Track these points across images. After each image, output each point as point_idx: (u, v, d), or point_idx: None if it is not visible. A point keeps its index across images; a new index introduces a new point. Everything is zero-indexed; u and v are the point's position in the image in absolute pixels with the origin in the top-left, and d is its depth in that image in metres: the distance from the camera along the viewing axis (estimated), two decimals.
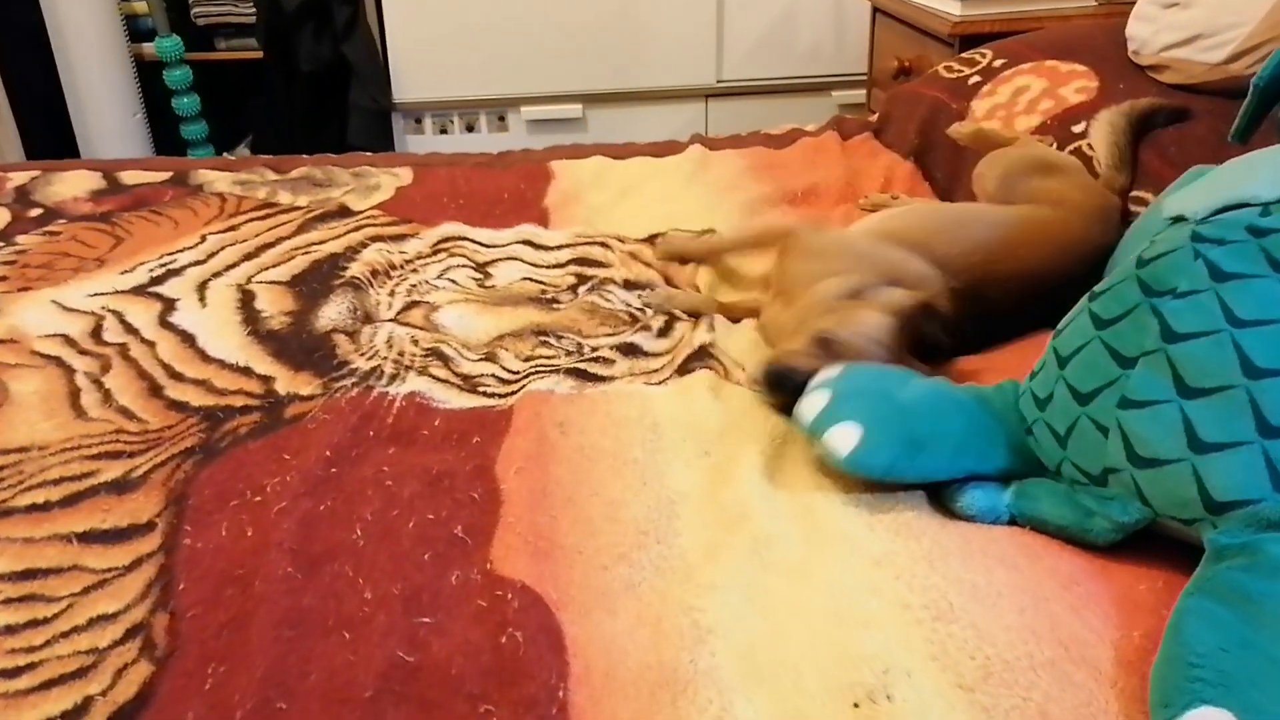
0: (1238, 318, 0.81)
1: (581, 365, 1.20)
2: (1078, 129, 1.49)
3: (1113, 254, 1.22)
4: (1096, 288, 0.96)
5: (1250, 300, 0.82)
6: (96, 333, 1.29)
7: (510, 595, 0.83)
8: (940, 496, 0.94)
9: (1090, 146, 1.43)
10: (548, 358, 1.23)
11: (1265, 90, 1.03)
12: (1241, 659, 0.67)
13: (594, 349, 1.25)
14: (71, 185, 1.79)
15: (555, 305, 1.37)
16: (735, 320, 1.32)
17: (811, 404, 0.97)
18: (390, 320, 1.33)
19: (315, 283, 1.43)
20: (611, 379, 1.18)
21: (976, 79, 1.79)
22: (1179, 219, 0.96)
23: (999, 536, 0.87)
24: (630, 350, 1.25)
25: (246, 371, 1.21)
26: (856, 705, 0.71)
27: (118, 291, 1.40)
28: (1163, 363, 0.84)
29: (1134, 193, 1.33)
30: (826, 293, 1.16)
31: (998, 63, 1.79)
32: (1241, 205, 0.90)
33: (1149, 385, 0.84)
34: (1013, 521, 0.91)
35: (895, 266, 1.20)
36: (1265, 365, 0.79)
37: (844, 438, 0.92)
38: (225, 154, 3.09)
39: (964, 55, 1.92)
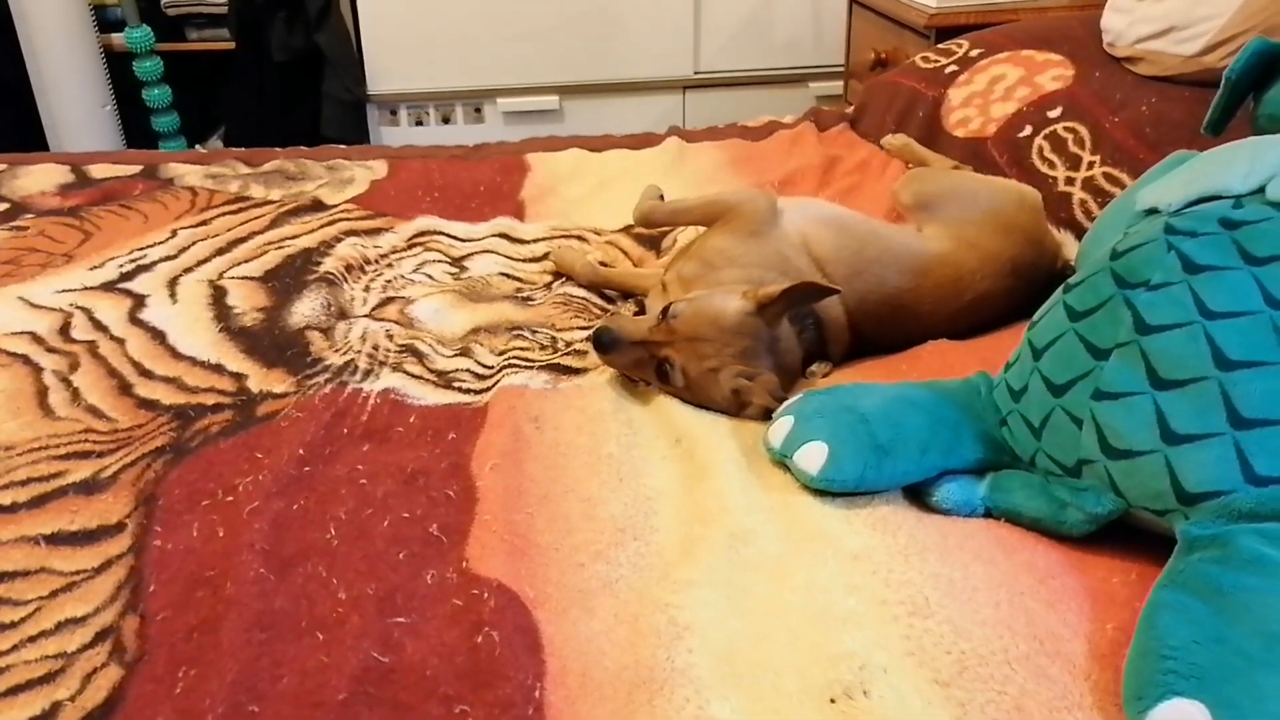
0: (1209, 310, 0.82)
1: (555, 360, 1.19)
2: (1053, 114, 1.50)
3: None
4: (1071, 279, 0.96)
5: (1222, 292, 0.82)
6: (64, 330, 1.27)
7: (486, 594, 0.83)
8: (916, 491, 0.94)
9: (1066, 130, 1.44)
10: (522, 349, 1.22)
11: (1237, 83, 1.03)
12: (1214, 652, 0.67)
13: (567, 342, 1.24)
14: (38, 179, 1.76)
15: (530, 302, 1.36)
16: (627, 293, 1.37)
17: (777, 431, 0.98)
18: (365, 316, 1.32)
19: (288, 278, 1.42)
20: (584, 370, 1.18)
21: (953, 68, 1.79)
22: (1153, 211, 0.96)
23: (975, 531, 0.87)
24: None
25: (218, 369, 1.19)
26: (833, 701, 0.71)
27: (86, 288, 1.38)
28: (1136, 355, 0.84)
29: (1108, 170, 1.34)
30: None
31: (974, 52, 1.80)
32: (1215, 198, 0.91)
33: (1122, 377, 0.84)
34: (988, 514, 0.92)
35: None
36: (1236, 357, 0.79)
37: (812, 457, 0.93)
38: (197, 146, 3.05)
39: (941, 46, 1.93)
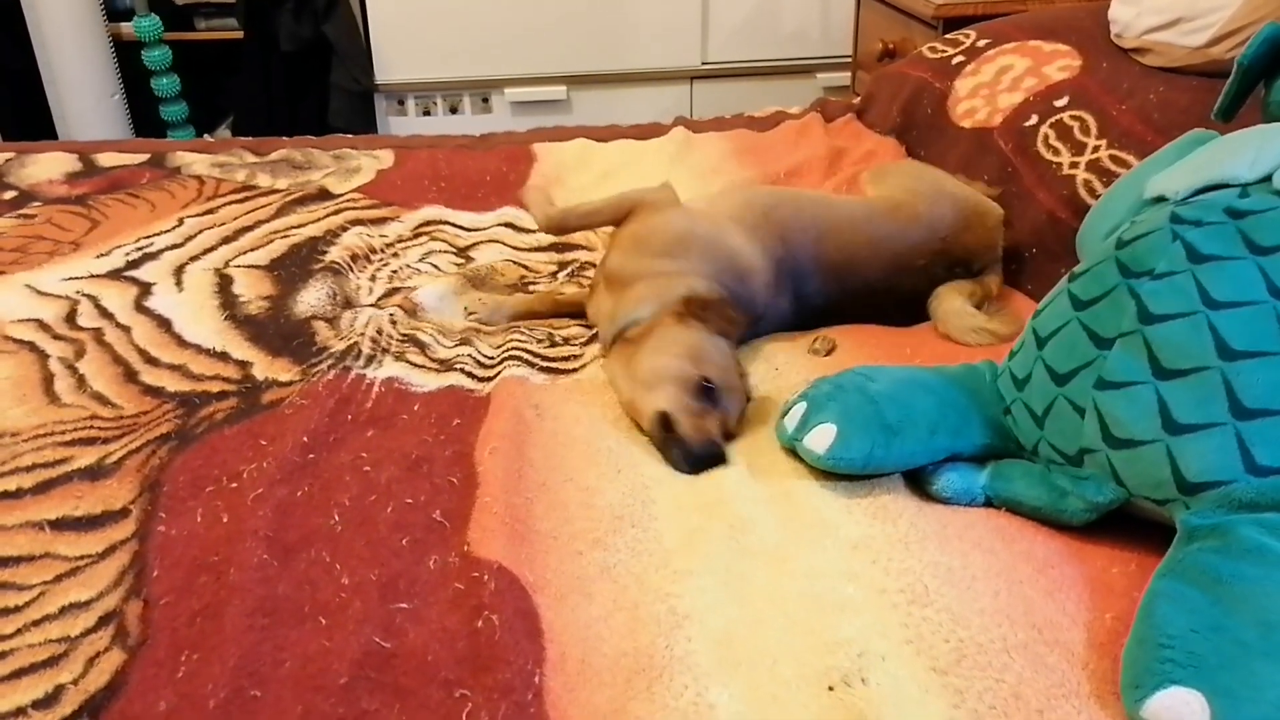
0: (1214, 299, 0.81)
1: (551, 364, 1.18)
2: (1060, 103, 1.49)
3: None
4: (1076, 269, 0.96)
5: (1226, 282, 0.82)
6: (71, 317, 1.28)
7: (487, 577, 0.83)
8: (917, 479, 0.94)
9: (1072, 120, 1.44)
10: (520, 342, 1.23)
11: (1249, 69, 1.02)
12: (1211, 641, 0.67)
13: (564, 338, 1.25)
14: (46, 167, 1.77)
15: (533, 290, 1.36)
16: (574, 313, 1.32)
17: (790, 417, 0.98)
18: (371, 306, 1.32)
19: (294, 267, 1.42)
20: (583, 367, 1.18)
21: (960, 59, 1.78)
22: (1160, 199, 0.95)
23: (975, 520, 0.87)
24: (595, 339, 1.24)
25: (223, 357, 1.20)
26: (831, 689, 0.71)
27: (93, 275, 1.39)
28: (1139, 344, 0.84)
29: (1115, 153, 1.33)
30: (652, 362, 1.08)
31: (981, 43, 1.79)
32: (1222, 186, 0.90)
33: (1125, 366, 0.84)
34: (988, 503, 0.91)
35: (730, 256, 1.21)
36: (1240, 347, 0.79)
37: (820, 438, 0.93)
38: (206, 135, 3.06)
39: (948, 36, 1.92)
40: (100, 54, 2.85)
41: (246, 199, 1.64)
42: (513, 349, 1.21)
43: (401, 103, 2.99)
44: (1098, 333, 0.87)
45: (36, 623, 0.81)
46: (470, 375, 1.15)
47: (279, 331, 1.25)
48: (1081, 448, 0.86)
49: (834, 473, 0.93)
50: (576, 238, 1.52)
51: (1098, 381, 0.85)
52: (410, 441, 1.02)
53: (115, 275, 1.39)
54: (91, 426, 1.06)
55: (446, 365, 1.17)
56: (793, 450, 0.96)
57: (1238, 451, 0.77)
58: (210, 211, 1.59)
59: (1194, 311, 0.82)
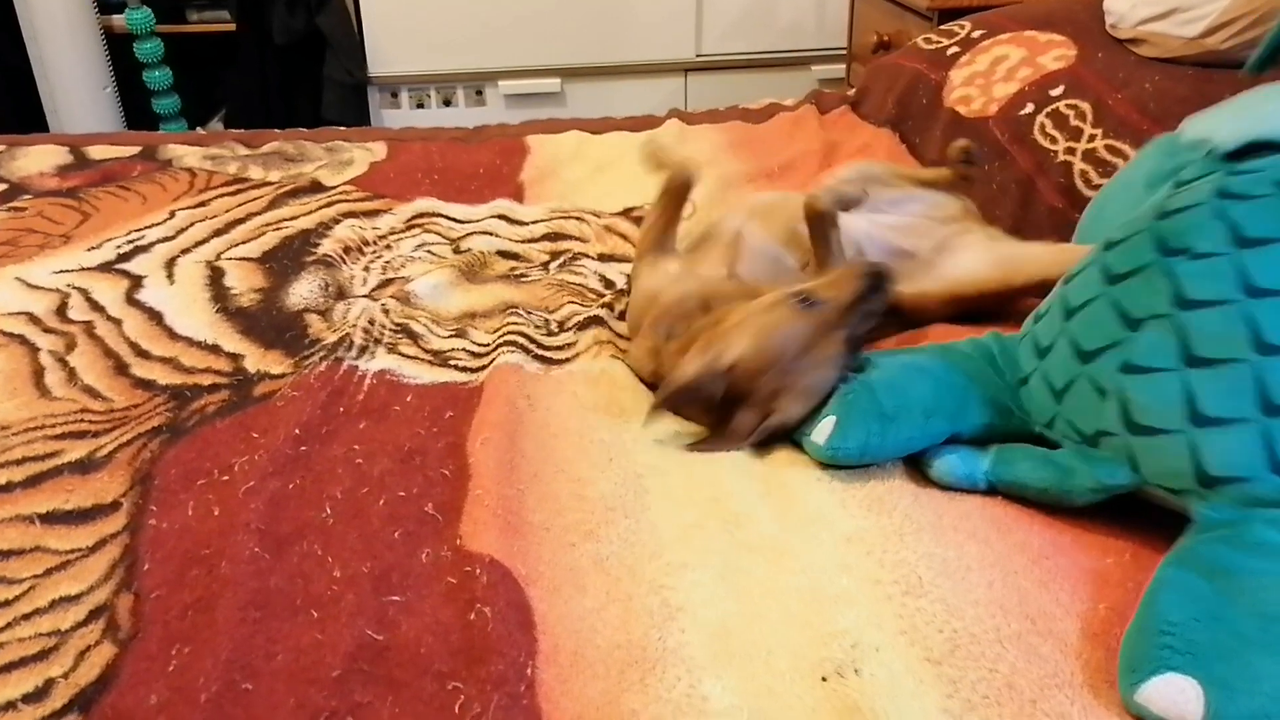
0: (1256, 287, 0.77)
1: (546, 353, 1.18)
2: (1055, 92, 1.49)
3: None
4: (1112, 236, 0.91)
5: (1272, 268, 0.78)
6: (61, 310, 1.27)
7: (479, 570, 0.82)
8: (917, 464, 0.93)
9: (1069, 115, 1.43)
10: (517, 324, 1.22)
11: None
12: (1211, 630, 0.67)
13: (560, 323, 1.24)
14: (37, 160, 1.76)
15: (524, 279, 1.36)
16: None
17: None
18: (364, 297, 1.32)
19: (286, 260, 1.41)
20: (576, 357, 1.17)
21: (955, 49, 1.78)
22: (1202, 144, 0.90)
23: (970, 511, 0.87)
24: (590, 323, 1.24)
25: (215, 349, 1.19)
26: (825, 680, 0.71)
27: (83, 268, 1.38)
28: (1170, 329, 0.81)
29: (1110, 143, 1.32)
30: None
31: (976, 34, 1.79)
32: (1271, 143, 0.85)
33: (1154, 351, 0.81)
34: (991, 489, 0.90)
35: None
36: (1277, 343, 0.76)
37: (820, 431, 0.93)
38: (198, 128, 3.05)
39: (943, 27, 1.91)
40: (92, 47, 2.84)
41: (238, 191, 1.64)
42: (509, 333, 1.20)
43: (395, 95, 2.98)
44: (1128, 312, 0.84)
45: (26, 616, 0.80)
46: (464, 369, 1.15)
47: (271, 324, 1.25)
48: (1099, 430, 0.84)
49: (834, 464, 0.93)
50: (570, 229, 1.51)
51: (1124, 365, 0.82)
52: (403, 434, 1.02)
53: (106, 268, 1.38)
54: (82, 420, 1.06)
55: (440, 358, 1.17)
56: (796, 443, 0.96)
57: (1262, 449, 0.75)
58: (202, 204, 1.58)
59: (1233, 300, 0.78)
